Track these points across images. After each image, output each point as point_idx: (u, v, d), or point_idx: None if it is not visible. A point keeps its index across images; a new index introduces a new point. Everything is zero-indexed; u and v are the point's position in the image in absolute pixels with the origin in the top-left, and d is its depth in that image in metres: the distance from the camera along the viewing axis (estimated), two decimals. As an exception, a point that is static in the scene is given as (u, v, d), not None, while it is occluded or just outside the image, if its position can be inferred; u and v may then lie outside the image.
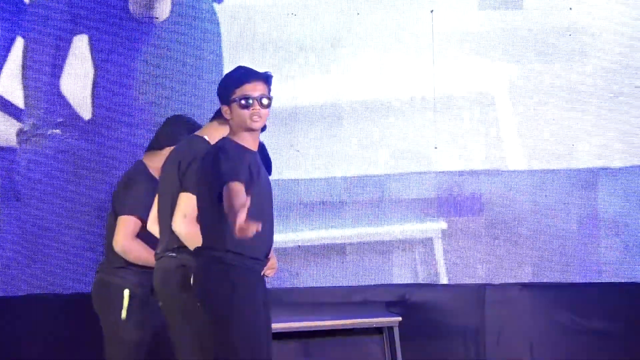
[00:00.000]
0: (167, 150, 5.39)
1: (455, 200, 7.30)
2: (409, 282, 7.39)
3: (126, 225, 5.55)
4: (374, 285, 7.37)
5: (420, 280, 7.43)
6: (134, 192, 5.62)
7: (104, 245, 5.83)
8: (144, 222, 5.46)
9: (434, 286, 7.47)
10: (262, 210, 4.78)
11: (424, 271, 7.48)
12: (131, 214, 5.54)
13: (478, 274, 7.44)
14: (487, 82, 7.39)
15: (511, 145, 7.31)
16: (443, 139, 7.28)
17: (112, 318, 5.55)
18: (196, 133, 5.28)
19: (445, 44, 7.24)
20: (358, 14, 7.26)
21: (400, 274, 7.47)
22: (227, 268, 4.67)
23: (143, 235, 5.53)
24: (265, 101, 4.71)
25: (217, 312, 4.68)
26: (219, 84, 4.88)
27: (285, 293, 7.30)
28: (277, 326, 6.76)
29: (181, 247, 5.01)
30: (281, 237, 7.21)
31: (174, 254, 5.05)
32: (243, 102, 4.71)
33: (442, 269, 7.46)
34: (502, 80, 7.40)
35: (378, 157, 7.35)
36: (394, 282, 7.37)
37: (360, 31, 7.25)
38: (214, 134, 5.13)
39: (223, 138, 4.79)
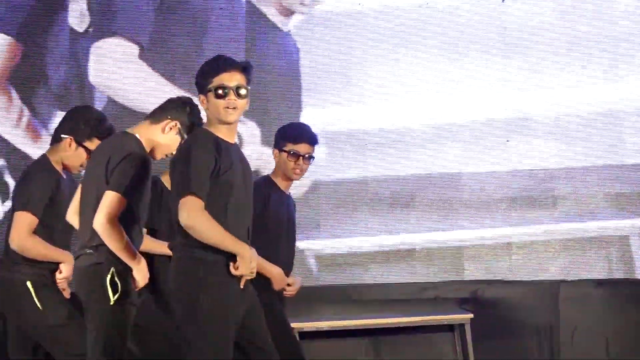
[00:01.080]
0: (66, 142, 5.36)
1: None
2: (481, 278, 7.42)
3: (21, 221, 5.41)
4: (445, 282, 7.41)
5: (493, 277, 7.45)
6: (31, 186, 5.49)
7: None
8: (38, 218, 5.35)
9: (506, 282, 7.47)
10: (248, 199, 4.75)
11: (497, 268, 7.47)
12: (25, 210, 5.40)
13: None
14: None
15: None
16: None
17: (32, 315, 5.41)
18: (128, 130, 5.19)
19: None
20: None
21: (472, 270, 7.48)
22: (198, 263, 4.60)
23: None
24: (242, 91, 4.63)
25: (184, 309, 4.65)
26: (197, 73, 4.82)
27: (356, 289, 7.35)
28: (347, 323, 7.16)
29: (100, 245, 4.92)
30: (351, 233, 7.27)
31: (91, 251, 4.95)
32: (219, 91, 4.66)
33: (515, 265, 7.46)
34: None
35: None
36: (466, 278, 7.40)
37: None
38: (144, 132, 5.10)
39: (198, 128, 4.83)
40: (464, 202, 7.52)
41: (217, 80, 4.67)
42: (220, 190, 4.62)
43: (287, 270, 6.02)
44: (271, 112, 7.46)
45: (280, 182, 5.95)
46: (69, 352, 5.35)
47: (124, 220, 4.86)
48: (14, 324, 5.45)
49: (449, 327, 7.32)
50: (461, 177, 7.54)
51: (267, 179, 6.05)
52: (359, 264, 7.52)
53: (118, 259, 4.87)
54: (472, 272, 7.52)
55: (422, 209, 7.49)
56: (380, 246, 7.54)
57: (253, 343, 4.76)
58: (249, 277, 4.69)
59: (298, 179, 5.99)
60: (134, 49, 7.34)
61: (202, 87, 4.72)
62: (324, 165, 7.39)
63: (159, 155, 5.20)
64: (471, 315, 7.19)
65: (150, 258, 5.62)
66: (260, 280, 5.69)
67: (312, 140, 5.98)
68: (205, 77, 4.69)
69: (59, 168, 5.44)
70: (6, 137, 7.25)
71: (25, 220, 5.32)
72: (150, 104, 6.29)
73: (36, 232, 5.33)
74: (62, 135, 5.44)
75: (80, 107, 5.90)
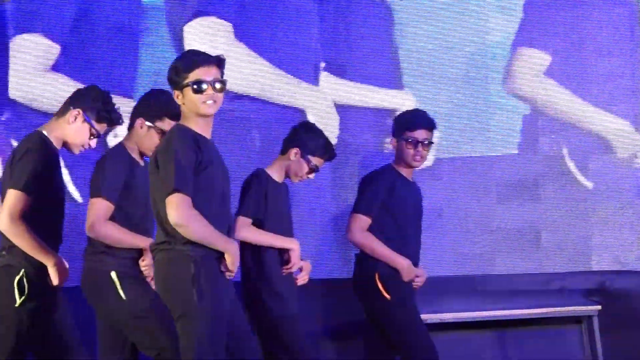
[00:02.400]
0: (137, 125, 5.55)
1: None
2: (609, 269, 7.35)
3: (96, 207, 5.48)
4: (572, 273, 7.35)
5: (621, 267, 7.38)
6: (106, 173, 5.56)
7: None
8: (113, 204, 5.42)
9: (636, 273, 7.40)
10: (223, 196, 4.82)
11: (626, 257, 7.45)
12: (100, 197, 5.50)
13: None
14: None
15: None
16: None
17: (116, 306, 5.51)
18: (38, 128, 5.26)
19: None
20: None
21: (599, 260, 7.44)
22: (189, 260, 4.68)
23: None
24: (218, 85, 4.69)
25: (179, 306, 4.73)
26: (169, 69, 4.90)
27: (481, 280, 7.33)
28: (471, 315, 7.16)
29: (12, 247, 4.97)
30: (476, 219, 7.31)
31: (4, 253, 5.01)
32: (196, 86, 4.71)
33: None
34: None
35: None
36: (593, 269, 7.34)
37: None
38: (52, 128, 5.18)
39: (175, 124, 4.86)
40: (590, 192, 7.52)
41: (193, 75, 4.76)
42: (202, 186, 4.72)
43: (415, 261, 6.14)
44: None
45: (402, 170, 6.08)
46: (152, 343, 5.47)
47: (30, 217, 4.95)
48: (101, 318, 5.60)
49: (576, 320, 7.28)
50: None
51: (390, 168, 6.17)
52: (484, 255, 7.48)
53: (32, 260, 4.96)
54: (600, 262, 7.46)
55: (548, 199, 7.54)
56: (505, 236, 7.51)
57: (234, 334, 4.85)
58: (233, 274, 4.85)
59: (419, 166, 6.12)
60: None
61: (176, 82, 4.81)
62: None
63: (74, 147, 5.29)
64: (599, 307, 7.13)
65: (256, 248, 5.90)
66: (391, 272, 6.08)
67: (429, 125, 6.15)
68: (179, 73, 4.80)
69: (134, 154, 5.53)
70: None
71: (100, 207, 5.41)
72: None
73: (114, 218, 5.43)
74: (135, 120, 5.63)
75: (151, 90, 5.96)
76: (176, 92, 4.82)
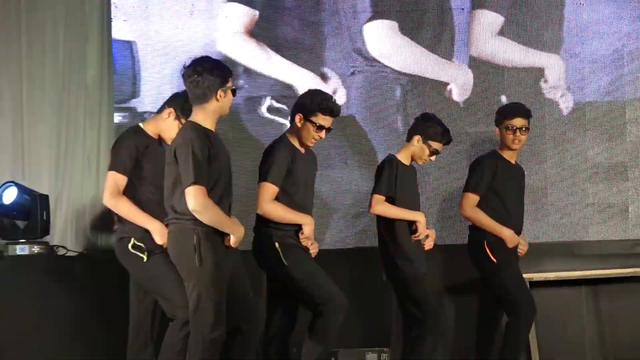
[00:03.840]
0: (297, 119, 6.07)
1: None
2: None
3: (264, 190, 6.00)
4: None
5: None
6: (271, 160, 6.04)
7: None
8: (278, 186, 5.96)
9: None
10: (230, 181, 5.35)
11: None
12: (267, 180, 6.01)
13: None
14: None
15: None
16: None
17: (280, 270, 6.04)
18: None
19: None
20: None
21: None
22: (192, 233, 5.19)
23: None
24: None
25: (185, 271, 5.25)
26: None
27: (577, 246, 7.90)
28: (570, 274, 7.76)
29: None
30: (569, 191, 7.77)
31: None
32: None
33: None
34: None
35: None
36: None
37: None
38: (148, 124, 5.86)
39: (187, 121, 5.34)
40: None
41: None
42: (211, 176, 5.22)
43: (518, 230, 6.75)
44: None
45: (505, 154, 6.75)
46: (310, 300, 5.99)
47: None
48: (271, 280, 6.18)
49: None
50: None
51: (494, 153, 6.84)
52: (580, 224, 7.95)
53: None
54: None
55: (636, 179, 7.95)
56: (597, 209, 7.95)
57: (235, 296, 5.32)
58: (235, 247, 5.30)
59: (517, 149, 6.77)
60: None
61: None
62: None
63: (166, 139, 5.83)
64: None
65: (389, 220, 6.52)
66: (497, 242, 6.69)
67: (525, 113, 6.78)
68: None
69: (295, 143, 6.04)
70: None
71: (267, 189, 5.95)
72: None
73: (278, 199, 5.97)
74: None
75: (308, 90, 6.44)
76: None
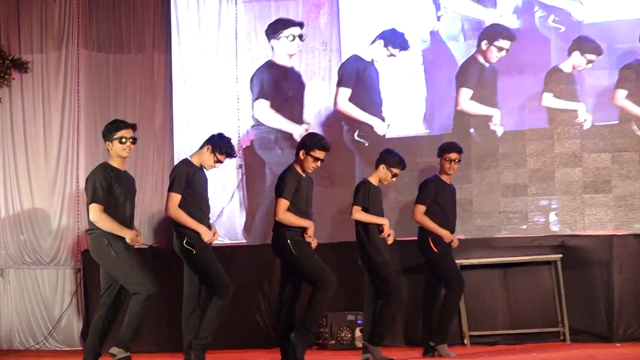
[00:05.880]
0: (301, 153, 6.79)
1: None
2: (568, 233, 9.03)
3: (279, 204, 6.79)
4: (545, 236, 9.06)
5: (572, 232, 8.98)
6: (284, 182, 6.77)
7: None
8: (289, 201, 6.74)
9: (581, 236, 9.00)
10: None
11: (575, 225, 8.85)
12: (281, 197, 6.80)
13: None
14: None
15: None
16: None
17: (290, 258, 6.81)
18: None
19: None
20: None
21: (560, 226, 8.94)
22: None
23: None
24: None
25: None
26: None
27: (492, 241, 9.06)
28: (487, 260, 8.75)
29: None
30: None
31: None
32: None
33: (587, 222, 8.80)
34: None
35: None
36: (559, 233, 9.02)
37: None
38: (194, 157, 6.83)
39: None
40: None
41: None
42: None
43: (452, 230, 7.77)
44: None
45: (444, 177, 7.76)
46: (313, 279, 6.66)
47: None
48: (284, 264, 6.92)
49: (547, 263, 8.95)
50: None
51: (436, 176, 7.75)
52: (495, 225, 9.06)
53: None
54: (560, 227, 9.02)
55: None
56: (507, 215, 8.96)
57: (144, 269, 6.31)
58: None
59: (452, 174, 7.75)
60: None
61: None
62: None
63: (206, 167, 6.82)
64: (561, 256, 8.78)
65: (364, 224, 7.19)
66: (438, 238, 7.65)
67: (459, 149, 7.69)
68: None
69: (300, 171, 6.85)
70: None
71: (282, 204, 6.78)
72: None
73: (290, 210, 6.77)
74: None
75: (308, 133, 7.20)
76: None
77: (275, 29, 9.47)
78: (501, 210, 9.09)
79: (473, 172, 9.11)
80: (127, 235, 6.21)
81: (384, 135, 9.25)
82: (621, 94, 8.90)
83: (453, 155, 7.71)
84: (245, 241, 9.44)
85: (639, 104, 9.05)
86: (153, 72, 9.68)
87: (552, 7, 8.86)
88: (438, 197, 7.72)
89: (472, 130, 9.22)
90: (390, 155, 7.32)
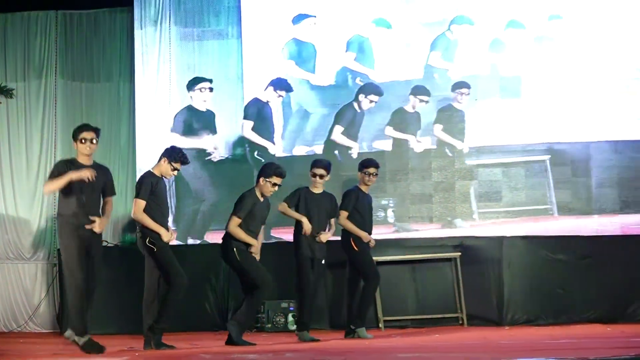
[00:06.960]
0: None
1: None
2: (466, 235, 10.01)
3: (233, 222, 7.45)
4: (446, 237, 10.03)
5: (471, 234, 9.92)
6: (241, 202, 7.49)
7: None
8: (241, 219, 7.39)
9: (476, 237, 9.99)
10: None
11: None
12: (234, 215, 7.48)
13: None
14: None
15: None
16: None
17: (235, 264, 7.53)
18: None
19: None
20: None
21: (461, 227, 9.88)
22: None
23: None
24: None
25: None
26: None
27: (404, 241, 9.99)
28: (398, 257, 9.59)
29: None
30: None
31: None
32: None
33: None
34: None
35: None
36: (458, 235, 9.96)
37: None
38: (155, 169, 7.27)
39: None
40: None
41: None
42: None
43: (369, 232, 8.41)
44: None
45: (363, 188, 8.42)
46: (251, 281, 7.31)
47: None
48: (236, 273, 7.61)
49: (448, 260, 9.88)
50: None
51: (356, 187, 8.38)
52: (406, 228, 10.03)
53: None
54: (462, 230, 9.99)
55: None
56: (417, 219, 10.03)
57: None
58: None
59: (370, 185, 8.36)
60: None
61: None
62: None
63: (166, 177, 7.29)
64: (459, 253, 9.76)
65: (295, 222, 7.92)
66: (358, 238, 8.26)
67: (368, 164, 8.32)
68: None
69: (258, 194, 7.59)
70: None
71: (234, 222, 7.50)
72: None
73: (241, 226, 7.50)
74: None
75: (266, 163, 7.95)
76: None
77: (192, 84, 10.95)
78: (411, 216, 10.28)
79: (387, 184, 10.26)
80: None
81: (275, 154, 10.69)
82: (438, 127, 10.65)
83: (372, 170, 8.49)
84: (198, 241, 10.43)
85: (449, 133, 10.58)
86: (119, 98, 10.75)
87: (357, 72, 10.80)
88: (358, 205, 8.54)
89: (336, 152, 10.68)
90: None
